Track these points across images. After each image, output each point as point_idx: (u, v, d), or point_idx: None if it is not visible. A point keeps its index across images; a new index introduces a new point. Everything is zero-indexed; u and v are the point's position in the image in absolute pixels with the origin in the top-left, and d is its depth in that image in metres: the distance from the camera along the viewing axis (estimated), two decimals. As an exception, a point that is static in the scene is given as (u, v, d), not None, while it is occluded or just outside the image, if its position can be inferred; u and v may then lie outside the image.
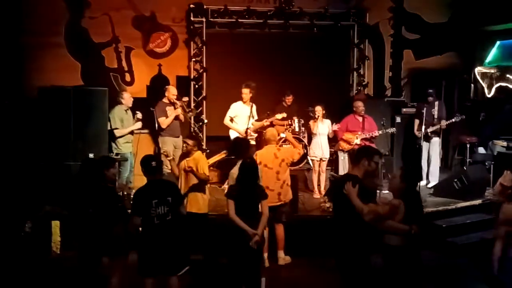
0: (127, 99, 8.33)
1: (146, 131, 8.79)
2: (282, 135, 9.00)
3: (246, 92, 8.59)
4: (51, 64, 9.89)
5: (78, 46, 10.23)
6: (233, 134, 8.72)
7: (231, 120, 8.72)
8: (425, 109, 8.88)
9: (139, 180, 5.54)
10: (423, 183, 8.95)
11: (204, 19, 10.22)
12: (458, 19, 11.20)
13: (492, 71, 10.82)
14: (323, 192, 8.67)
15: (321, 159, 8.73)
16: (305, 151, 9.02)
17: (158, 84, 10.34)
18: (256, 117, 8.71)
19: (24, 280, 6.24)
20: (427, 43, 11.33)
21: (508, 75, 10.49)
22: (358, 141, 8.60)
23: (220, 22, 10.35)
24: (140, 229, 5.05)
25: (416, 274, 4.38)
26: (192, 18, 10.24)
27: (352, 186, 4.37)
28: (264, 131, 7.04)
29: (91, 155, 7.18)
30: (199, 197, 6.33)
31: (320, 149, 8.68)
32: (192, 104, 10.18)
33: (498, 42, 10.86)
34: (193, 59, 10.41)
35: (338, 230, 4.59)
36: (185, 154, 6.43)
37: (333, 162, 9.40)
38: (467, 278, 6.75)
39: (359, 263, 4.46)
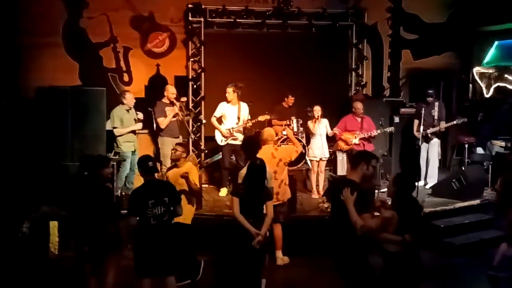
0: (129, 99, 8.34)
1: (145, 131, 8.81)
2: (284, 132, 9.00)
3: (229, 92, 8.54)
4: (48, 64, 9.85)
5: (76, 46, 10.19)
6: (217, 134, 8.74)
7: (218, 120, 8.69)
8: (424, 109, 8.88)
9: (140, 180, 5.52)
10: (421, 183, 8.95)
11: (202, 19, 10.19)
12: (456, 19, 11.22)
13: (491, 71, 10.83)
14: (321, 193, 8.68)
15: (320, 159, 8.74)
16: (304, 151, 9.01)
17: (156, 84, 10.33)
18: (248, 117, 8.67)
19: (22, 281, 6.21)
20: (426, 43, 11.34)
21: (506, 75, 10.50)
22: (356, 141, 8.62)
23: (218, 22, 10.32)
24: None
25: (416, 277, 4.38)
26: (190, 18, 10.21)
27: (350, 194, 4.36)
28: (262, 131, 7.02)
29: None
30: (186, 207, 6.06)
31: (319, 149, 8.68)
32: (191, 104, 10.17)
33: (496, 42, 10.89)
34: (191, 59, 10.39)
35: (336, 230, 4.59)
36: (174, 160, 6.38)
37: (331, 162, 9.41)
38: (465, 278, 6.75)
39: (358, 264, 4.46)
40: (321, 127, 8.69)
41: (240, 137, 8.67)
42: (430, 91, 9.11)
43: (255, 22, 10.40)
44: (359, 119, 8.73)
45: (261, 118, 8.61)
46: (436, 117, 9.01)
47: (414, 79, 11.28)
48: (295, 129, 9.54)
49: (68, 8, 10.10)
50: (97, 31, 10.22)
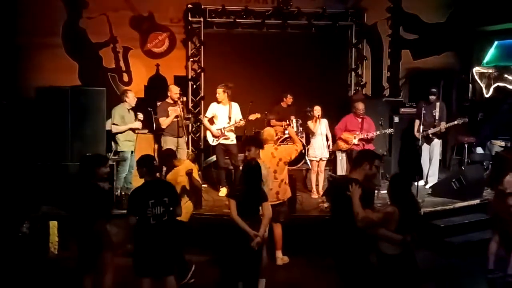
0: (131, 98, 8.35)
1: (145, 131, 8.80)
2: (286, 132, 8.97)
3: (219, 92, 8.52)
4: (48, 64, 9.86)
5: (76, 46, 10.20)
6: (208, 135, 8.74)
7: (210, 120, 8.68)
8: (425, 109, 8.88)
9: (138, 180, 5.51)
10: (421, 183, 8.95)
11: (202, 19, 10.20)
12: (456, 19, 11.22)
13: (490, 71, 10.83)
14: (321, 192, 8.68)
15: (320, 159, 8.74)
16: (304, 150, 9.01)
17: (156, 84, 10.37)
18: (240, 117, 8.67)
19: (22, 281, 6.22)
20: (425, 43, 11.34)
21: (506, 75, 10.50)
22: (356, 141, 8.61)
23: (218, 22, 10.34)
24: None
25: (412, 279, 4.38)
26: (190, 18, 10.22)
27: (356, 188, 4.36)
28: (262, 131, 7.02)
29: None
30: (184, 205, 6.03)
31: (319, 149, 8.68)
32: (190, 104, 10.17)
33: (496, 42, 10.89)
34: (191, 59, 10.40)
35: (337, 231, 4.58)
36: (171, 168, 6.35)
37: (331, 162, 9.40)
38: (464, 278, 6.74)
39: (359, 264, 4.45)
40: (321, 127, 8.69)
41: (232, 136, 8.64)
42: (433, 90, 9.08)
43: (254, 22, 10.42)
44: (359, 119, 8.72)
45: (252, 117, 8.55)
46: (437, 117, 8.99)
47: (413, 79, 11.27)
48: (295, 129, 9.54)
49: (67, 8, 10.12)
50: (96, 31, 10.24)
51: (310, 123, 8.80)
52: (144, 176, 5.07)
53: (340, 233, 4.52)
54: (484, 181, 8.68)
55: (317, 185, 8.86)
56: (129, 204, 5.03)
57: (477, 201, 8.31)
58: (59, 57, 10.04)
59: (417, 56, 11.41)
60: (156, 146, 8.97)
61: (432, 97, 9.06)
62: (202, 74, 10.35)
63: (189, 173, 5.95)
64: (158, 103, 8.85)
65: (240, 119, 8.55)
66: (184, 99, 9.28)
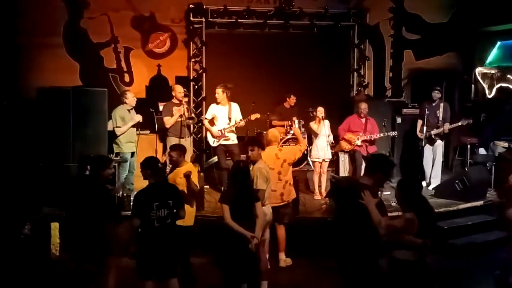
0: (130, 99, 8.33)
1: (146, 132, 8.76)
2: (291, 132, 8.93)
3: (218, 93, 8.49)
4: (49, 64, 9.81)
5: (77, 47, 10.15)
6: (209, 136, 8.72)
7: (210, 121, 8.65)
8: (428, 110, 8.84)
9: (139, 181, 5.48)
10: (424, 184, 8.91)
11: (203, 19, 10.15)
12: (458, 20, 11.19)
13: (493, 71, 10.79)
14: (324, 194, 8.65)
15: (323, 160, 8.70)
16: (306, 152, 8.98)
17: (157, 85, 10.33)
18: (240, 117, 8.62)
19: (24, 282, 6.20)
20: (428, 43, 11.30)
21: (509, 76, 10.45)
22: (359, 142, 8.59)
23: (220, 22, 10.29)
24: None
25: (427, 285, 4.32)
26: (191, 18, 10.18)
27: (370, 196, 4.25)
28: (265, 132, 7.00)
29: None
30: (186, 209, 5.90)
31: (322, 150, 8.64)
32: (192, 105, 10.13)
33: (498, 43, 10.84)
34: (193, 60, 10.36)
35: (344, 234, 4.49)
36: (175, 165, 6.22)
37: (333, 163, 9.36)
38: (468, 280, 6.71)
39: (367, 268, 4.38)
40: (325, 128, 8.65)
41: (233, 137, 8.62)
42: (438, 88, 9.03)
43: (256, 22, 10.37)
44: (363, 120, 8.69)
45: (252, 117, 8.53)
46: (440, 118, 8.94)
47: (416, 79, 11.24)
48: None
49: (68, 8, 10.07)
50: (98, 31, 10.19)
51: (312, 124, 8.75)
52: (149, 178, 5.05)
53: (347, 237, 4.45)
54: (488, 182, 8.68)
55: (319, 186, 8.83)
56: (133, 206, 5.02)
57: (480, 203, 8.30)
58: (60, 57, 9.99)
59: (420, 56, 11.37)
60: (157, 147, 8.91)
61: (435, 94, 9.00)
62: (204, 74, 10.31)
63: (187, 176, 5.84)
64: (161, 104, 8.83)
65: (240, 120, 8.52)
66: (186, 99, 9.25)
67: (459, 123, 8.86)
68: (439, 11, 11.34)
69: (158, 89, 10.20)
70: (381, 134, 8.69)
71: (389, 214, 4.56)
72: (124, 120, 8.19)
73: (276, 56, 10.43)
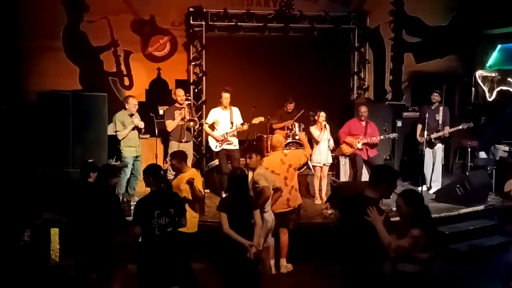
0: (131, 105, 8.32)
1: (146, 136, 8.74)
2: (296, 137, 8.92)
3: (227, 97, 8.51)
4: (49, 68, 9.77)
5: (77, 50, 10.11)
6: (211, 141, 8.69)
7: (211, 126, 8.64)
8: (428, 114, 8.81)
9: (142, 186, 5.43)
10: (424, 188, 8.88)
11: (203, 23, 10.13)
12: (458, 23, 11.19)
13: (493, 74, 10.80)
14: (324, 198, 8.63)
15: (324, 164, 8.68)
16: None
17: (157, 88, 10.30)
18: (241, 121, 8.61)
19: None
20: (428, 46, 11.29)
21: (509, 79, 10.48)
22: (359, 146, 8.58)
23: (220, 25, 10.27)
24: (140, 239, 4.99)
25: None
26: (191, 22, 10.15)
27: (377, 214, 4.14)
28: (270, 137, 6.99)
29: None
30: (189, 216, 5.73)
31: (323, 154, 8.62)
32: (193, 108, 10.10)
33: (499, 46, 10.86)
34: (193, 63, 10.33)
35: (350, 242, 4.42)
36: (178, 172, 6.15)
37: (333, 167, 9.34)
38: (470, 286, 6.69)
39: (372, 274, 4.32)
40: (326, 133, 8.62)
41: (235, 141, 8.61)
42: (437, 90, 9.02)
43: (256, 25, 10.35)
44: (363, 123, 8.68)
45: (255, 120, 8.51)
46: (440, 122, 8.93)
47: (416, 82, 11.23)
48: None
49: (68, 12, 10.02)
50: (97, 35, 10.14)
51: (313, 130, 8.71)
52: (150, 185, 5.01)
53: (351, 244, 4.38)
54: (489, 187, 8.65)
55: (320, 190, 8.81)
56: (134, 214, 4.98)
57: (481, 207, 8.28)
58: (59, 61, 9.94)
59: (420, 59, 11.36)
60: (157, 151, 8.89)
61: (434, 97, 8.99)
62: (204, 77, 10.28)
63: (190, 182, 5.80)
64: (161, 108, 8.82)
65: (243, 124, 8.50)
66: (187, 103, 9.22)
67: (460, 127, 8.85)
68: (440, 14, 11.33)
69: (158, 92, 10.17)
70: (382, 137, 8.68)
71: (392, 219, 4.48)
72: (124, 125, 8.18)
73: (276, 59, 10.40)
